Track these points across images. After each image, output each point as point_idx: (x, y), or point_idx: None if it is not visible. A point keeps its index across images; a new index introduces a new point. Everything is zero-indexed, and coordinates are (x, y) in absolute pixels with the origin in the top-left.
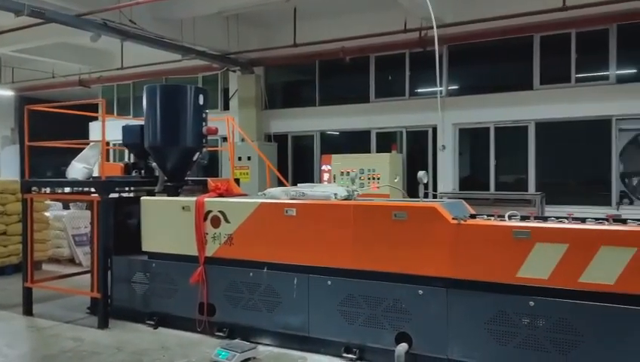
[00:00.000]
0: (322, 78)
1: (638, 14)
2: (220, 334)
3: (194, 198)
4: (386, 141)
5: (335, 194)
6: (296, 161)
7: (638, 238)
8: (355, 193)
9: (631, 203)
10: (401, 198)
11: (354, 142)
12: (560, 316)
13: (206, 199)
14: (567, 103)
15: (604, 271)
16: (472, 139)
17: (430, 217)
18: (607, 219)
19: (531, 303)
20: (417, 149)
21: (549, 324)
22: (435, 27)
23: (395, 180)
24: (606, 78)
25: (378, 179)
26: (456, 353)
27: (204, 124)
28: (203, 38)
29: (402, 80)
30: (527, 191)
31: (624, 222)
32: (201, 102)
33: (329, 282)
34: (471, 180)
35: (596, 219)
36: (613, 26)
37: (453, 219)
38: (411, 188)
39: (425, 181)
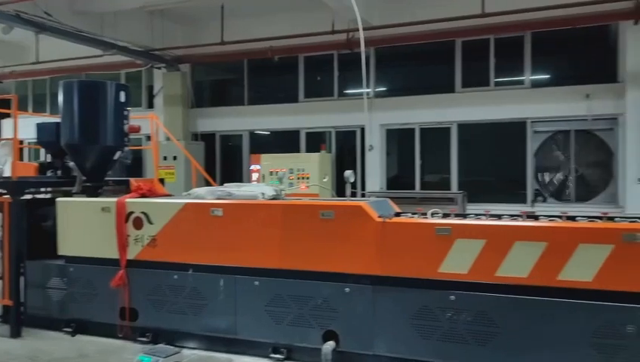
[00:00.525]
0: (251, 77)
1: (550, 23)
2: (143, 339)
3: (114, 199)
4: (316, 141)
5: (262, 193)
6: (225, 160)
7: (549, 233)
8: (283, 192)
9: (544, 200)
10: (330, 198)
11: (283, 141)
12: (479, 309)
13: (127, 200)
14: (486, 106)
15: (518, 265)
16: (399, 140)
17: (356, 216)
18: (521, 216)
19: (452, 297)
20: (346, 149)
21: (469, 317)
22: (361, 29)
23: (324, 180)
24: (522, 82)
25: (307, 178)
26: (382, 348)
27: (125, 121)
28: (125, 33)
29: (331, 80)
30: (450, 189)
31: (536, 218)
32: (122, 99)
33: (256, 283)
34: (398, 179)
35: (511, 215)
36: (528, 34)
37: (378, 217)
38: (341, 187)
39: (352, 180)
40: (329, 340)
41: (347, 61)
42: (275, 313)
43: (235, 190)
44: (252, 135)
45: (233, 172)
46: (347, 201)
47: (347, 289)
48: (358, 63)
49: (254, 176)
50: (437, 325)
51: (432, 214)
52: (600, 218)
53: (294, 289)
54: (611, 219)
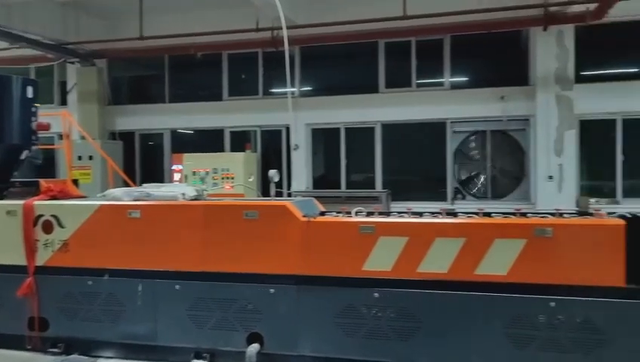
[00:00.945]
0: (173, 74)
1: (468, 27)
2: (55, 350)
3: (21, 201)
4: (240, 140)
5: (183, 194)
6: (145, 160)
7: (467, 229)
8: (205, 193)
9: (463, 198)
10: (255, 198)
11: (207, 141)
12: (401, 305)
13: (35, 202)
14: (408, 106)
15: (438, 260)
16: (324, 139)
17: (281, 215)
18: (440, 213)
19: (376, 294)
20: (272, 148)
21: (392, 313)
22: (284, 27)
23: (250, 180)
24: (442, 84)
25: (232, 178)
26: (306, 349)
27: (33, 118)
28: (36, 25)
29: (256, 79)
30: (375, 188)
31: (455, 215)
32: (29, 94)
33: (177, 286)
34: (324, 179)
35: (432, 213)
36: (448, 37)
37: (303, 216)
38: (266, 187)
39: (276, 180)
40: (253, 343)
41: (272, 59)
42: (198, 317)
43: (154, 191)
44: (174, 134)
45: (154, 172)
46: (271, 201)
47: (272, 290)
48: (283, 62)
49: (176, 176)
50: (361, 323)
51: (356, 213)
52: (514, 214)
53: (217, 292)
54: (524, 214)
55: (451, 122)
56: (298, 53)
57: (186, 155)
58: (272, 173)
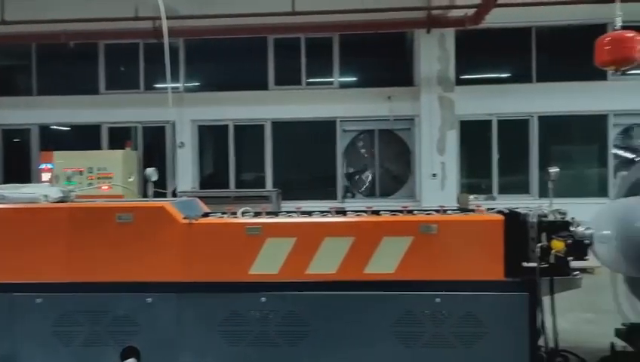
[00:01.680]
0: (42, 64)
1: (356, 26)
2: None
3: None
4: (120, 137)
5: (45, 196)
6: (9, 159)
7: (355, 228)
8: (73, 194)
9: (353, 196)
10: (132, 199)
11: (83, 137)
12: (289, 309)
13: None
14: (298, 104)
15: (327, 261)
16: (213, 137)
17: (159, 218)
18: (330, 212)
19: (263, 299)
20: (155, 146)
21: (279, 318)
22: (164, 17)
23: (130, 179)
24: (331, 82)
25: (110, 178)
26: (187, 360)
27: None
28: None
29: (137, 72)
30: (265, 188)
31: (344, 213)
32: None
33: (39, 300)
34: (213, 178)
35: (321, 212)
36: (336, 35)
37: (184, 218)
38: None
39: (154, 179)
40: (129, 357)
41: (155, 52)
42: (64, 333)
43: (10, 192)
44: (44, 130)
45: (20, 172)
46: (148, 202)
47: (149, 300)
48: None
49: (45, 176)
50: (247, 329)
51: (243, 213)
52: (401, 211)
53: (86, 304)
54: (410, 212)
55: (341, 121)
56: (183, 46)
57: (56, 153)
58: (150, 171)
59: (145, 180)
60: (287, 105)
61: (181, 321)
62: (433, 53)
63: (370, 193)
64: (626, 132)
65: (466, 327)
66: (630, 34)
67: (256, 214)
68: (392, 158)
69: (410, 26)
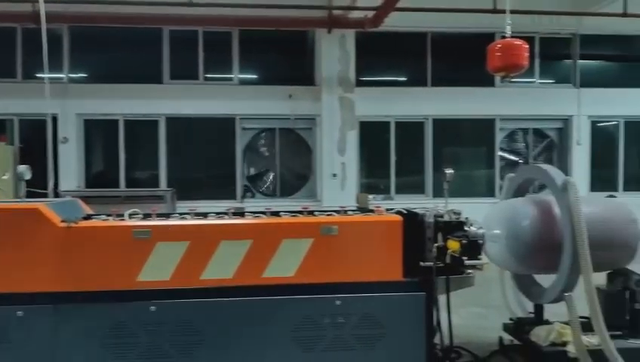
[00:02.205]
0: None
1: (255, 21)
2: None
3: None
4: None
5: None
6: None
7: (254, 230)
8: None
9: (253, 196)
10: (7, 200)
11: None
12: (183, 317)
13: None
14: (196, 100)
15: (223, 265)
16: (101, 132)
17: (32, 221)
18: (227, 213)
19: (152, 308)
20: (35, 141)
21: (171, 327)
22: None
23: (4, 177)
24: (231, 79)
25: None
26: None
27: None
28: None
29: (13, 59)
30: (159, 187)
31: (243, 215)
32: None
33: None
34: (102, 177)
35: (218, 213)
36: (236, 30)
37: (62, 221)
38: (29, 186)
39: (27, 177)
40: None
41: (35, 37)
42: None
43: None
44: None
45: None
46: (21, 204)
47: (20, 313)
48: (49, 41)
49: None
50: (135, 341)
51: (130, 215)
52: (301, 212)
53: None
54: (311, 213)
55: (241, 118)
56: (67, 32)
57: None
58: (22, 169)
59: (18, 179)
60: (184, 101)
61: (59, 336)
62: (334, 54)
63: (270, 193)
64: (511, 136)
65: (365, 329)
66: (519, 42)
67: (146, 216)
68: (293, 158)
69: (311, 24)
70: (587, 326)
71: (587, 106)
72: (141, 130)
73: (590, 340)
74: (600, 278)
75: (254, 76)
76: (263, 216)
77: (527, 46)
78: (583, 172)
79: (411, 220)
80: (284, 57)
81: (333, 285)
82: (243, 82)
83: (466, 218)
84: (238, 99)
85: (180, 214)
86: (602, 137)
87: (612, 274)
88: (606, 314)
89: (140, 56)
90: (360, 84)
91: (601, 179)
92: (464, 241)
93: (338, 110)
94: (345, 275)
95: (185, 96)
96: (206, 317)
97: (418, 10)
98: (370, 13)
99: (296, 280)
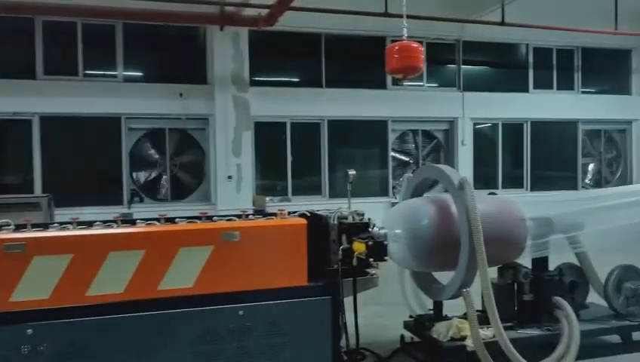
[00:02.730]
0: None
1: (142, 15)
2: None
3: None
4: None
5: None
6: None
7: (147, 239)
8: None
9: (141, 201)
10: None
11: None
12: (65, 340)
13: None
14: (74, 97)
15: (113, 279)
16: None
17: None
18: (116, 221)
19: (30, 331)
20: None
21: (52, 352)
22: None
23: None
24: (115, 76)
25: None
26: None
27: None
28: None
29: None
30: (33, 193)
31: (134, 223)
32: None
33: None
34: None
35: (105, 221)
36: (120, 24)
37: None
38: None
39: None
40: None
41: None
42: None
43: None
44: None
45: None
46: None
47: None
48: None
49: None
50: None
51: (0, 227)
52: (199, 218)
53: None
54: (210, 218)
55: (126, 118)
56: None
57: None
58: None
59: None
60: (61, 98)
61: None
62: (227, 52)
63: (161, 197)
64: (402, 137)
65: (270, 338)
66: (415, 44)
67: (19, 227)
68: (184, 160)
69: (202, 21)
70: (482, 320)
71: (470, 109)
72: (12, 130)
73: (486, 333)
74: (492, 273)
75: (141, 73)
76: (157, 223)
77: (423, 49)
78: (467, 171)
79: (315, 223)
80: (174, 54)
81: (236, 294)
82: (128, 79)
83: (369, 219)
84: (123, 98)
85: (61, 224)
86: (483, 138)
87: (502, 269)
88: (497, 306)
89: (9, 49)
90: (255, 83)
91: (483, 178)
92: (370, 243)
93: (232, 110)
94: (248, 283)
95: (62, 94)
96: (94, 337)
97: (311, 10)
98: (265, 12)
99: (196, 291)
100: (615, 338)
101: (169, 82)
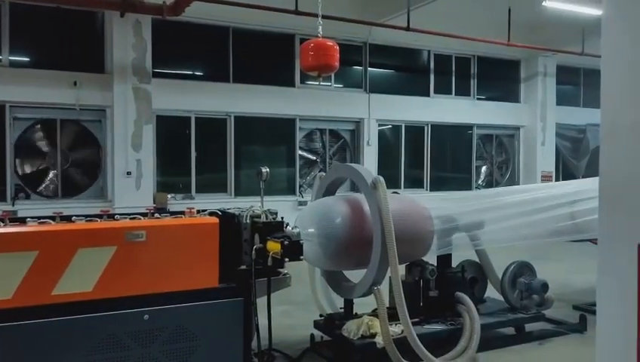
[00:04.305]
0: None
1: None
2: None
3: None
4: None
5: None
6: None
7: (40, 240)
8: None
9: (28, 197)
10: None
11: None
12: None
13: None
14: None
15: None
16: None
17: None
18: (2, 220)
19: None
20: None
21: None
22: None
23: None
24: None
25: None
26: None
27: None
28: None
29: None
30: None
31: (23, 221)
32: None
33: None
34: None
35: None
36: (6, 3)
37: None
38: None
39: None
40: None
41: None
42: None
43: None
44: None
45: None
46: None
47: None
48: None
49: None
50: None
51: None
52: (100, 216)
53: None
54: (112, 216)
55: (11, 107)
56: None
57: None
58: None
59: None
60: None
61: None
62: (128, 40)
63: (50, 193)
64: (310, 136)
65: (177, 343)
66: (331, 43)
67: None
68: (77, 153)
69: (100, 5)
70: (391, 316)
71: (375, 110)
72: None
73: (394, 329)
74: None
75: (29, 58)
76: (51, 222)
77: (338, 47)
78: (372, 170)
79: (227, 222)
80: (68, 39)
81: (141, 298)
82: (15, 64)
83: (282, 217)
84: (8, 84)
85: None
86: (387, 139)
87: (410, 266)
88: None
89: None
90: (158, 75)
91: (387, 177)
92: (286, 242)
93: (132, 102)
94: (154, 286)
95: None
96: None
97: (219, 2)
98: (171, 0)
99: (96, 295)
100: (510, 330)
101: (61, 69)
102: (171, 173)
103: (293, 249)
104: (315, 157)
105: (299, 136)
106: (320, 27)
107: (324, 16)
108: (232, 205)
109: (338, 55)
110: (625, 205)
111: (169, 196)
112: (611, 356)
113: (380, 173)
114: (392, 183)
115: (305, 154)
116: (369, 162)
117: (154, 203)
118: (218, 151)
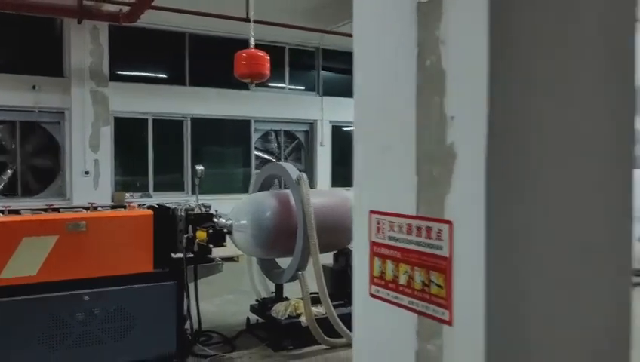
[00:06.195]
0: None
1: None
2: None
3: None
4: None
5: None
6: None
7: None
8: None
9: None
10: None
11: None
12: None
13: None
14: None
15: None
16: None
17: None
18: None
19: None
20: None
21: None
22: None
23: None
24: None
25: None
26: None
27: None
28: None
29: None
30: None
31: None
32: None
33: None
34: None
35: None
36: None
37: None
38: None
39: None
40: None
41: None
42: None
43: None
44: None
45: None
46: None
47: None
48: None
49: None
50: None
51: None
52: (45, 210)
53: None
54: (57, 210)
55: None
56: None
57: None
58: None
59: None
60: None
61: None
62: (85, 46)
63: (9, 192)
64: (265, 136)
65: (116, 322)
66: (262, 53)
67: None
68: (37, 154)
69: (58, 12)
70: (318, 299)
71: (328, 112)
72: None
73: (319, 310)
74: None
75: None
76: (1, 214)
77: (269, 57)
78: (325, 169)
79: (163, 214)
80: (27, 44)
81: (81, 281)
82: None
83: (215, 211)
84: None
85: None
86: (343, 140)
87: (337, 255)
88: (333, 288)
89: None
90: (115, 78)
91: (342, 176)
92: (210, 231)
93: (90, 104)
94: (94, 270)
95: None
96: None
97: (173, 10)
98: (126, 8)
99: (39, 278)
100: None
101: (21, 73)
102: (130, 173)
103: (217, 236)
104: (270, 158)
105: (254, 136)
106: (252, 38)
107: (277, 24)
108: (182, 201)
109: (269, 64)
110: None
111: (127, 195)
112: None
113: (334, 172)
114: (346, 181)
115: (261, 154)
116: (322, 162)
117: (112, 201)
118: (175, 151)
